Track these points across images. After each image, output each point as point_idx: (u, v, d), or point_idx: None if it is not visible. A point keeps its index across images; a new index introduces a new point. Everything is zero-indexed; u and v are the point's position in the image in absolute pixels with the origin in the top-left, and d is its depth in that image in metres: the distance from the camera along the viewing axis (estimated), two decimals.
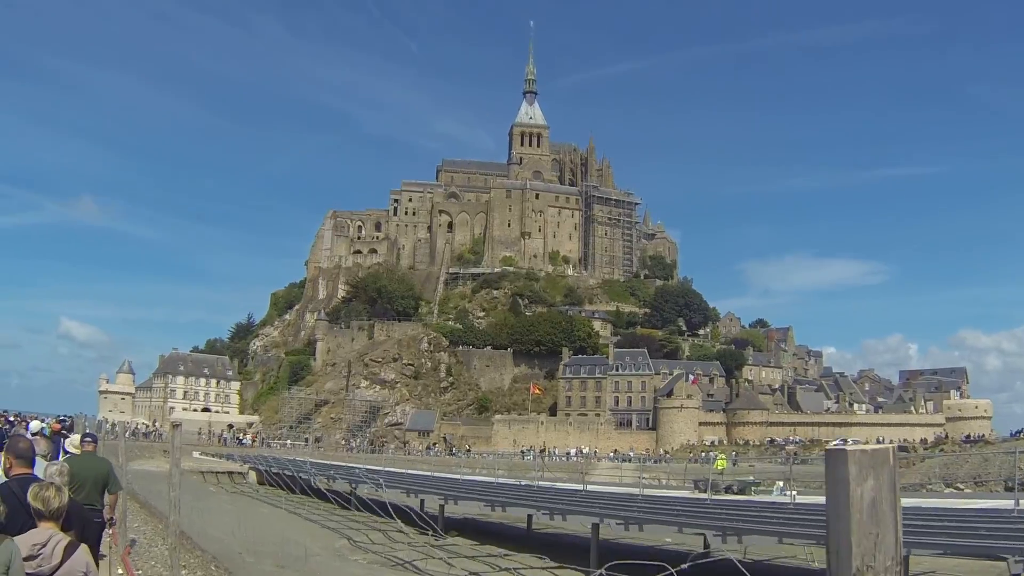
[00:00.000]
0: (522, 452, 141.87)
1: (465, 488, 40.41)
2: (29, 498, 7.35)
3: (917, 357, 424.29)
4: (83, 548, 7.27)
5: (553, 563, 30.13)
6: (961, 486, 59.49)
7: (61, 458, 15.07)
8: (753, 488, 41.00)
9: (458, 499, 36.52)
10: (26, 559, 6.75)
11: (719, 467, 53.36)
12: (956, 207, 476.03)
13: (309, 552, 30.89)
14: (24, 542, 6.90)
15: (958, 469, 66.59)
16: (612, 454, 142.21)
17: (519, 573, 29.89)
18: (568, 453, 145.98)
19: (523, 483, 46.51)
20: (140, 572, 16.31)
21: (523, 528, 37.92)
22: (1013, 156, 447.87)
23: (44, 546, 6.91)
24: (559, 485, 46.80)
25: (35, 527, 7.32)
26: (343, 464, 70.54)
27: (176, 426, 10.37)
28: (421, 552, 33.55)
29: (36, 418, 32.40)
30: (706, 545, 32.05)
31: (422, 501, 46.07)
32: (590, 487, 40.81)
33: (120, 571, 16.21)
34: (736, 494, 39.02)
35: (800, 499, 32.80)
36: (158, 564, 17.74)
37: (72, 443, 18.92)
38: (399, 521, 34.07)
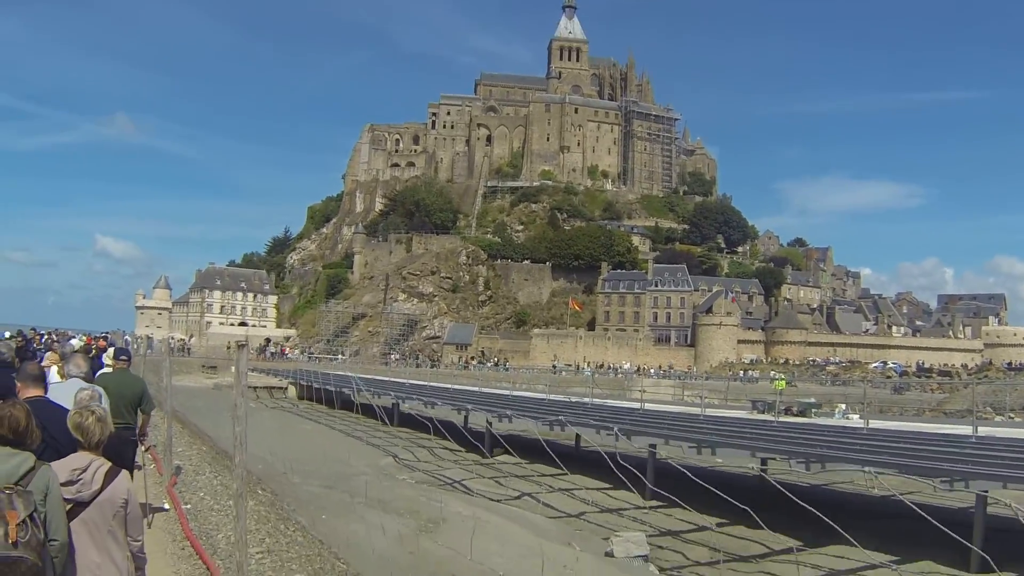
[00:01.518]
0: (554, 366, 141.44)
1: (514, 405, 39.41)
2: (69, 426, 6.83)
3: (952, 282, 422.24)
4: (124, 474, 6.81)
5: (607, 484, 29.30)
6: (1012, 414, 58.11)
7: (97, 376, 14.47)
8: (814, 410, 39.88)
9: (511, 418, 35.49)
10: (65, 484, 6.28)
11: (778, 387, 52.22)
12: (996, 132, 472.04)
13: (355, 471, 30.10)
14: (64, 467, 6.43)
15: (1004, 397, 65.10)
16: (655, 370, 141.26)
17: (572, 494, 29.03)
18: (612, 368, 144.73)
19: (572, 400, 45.52)
20: (188, 506, 15.38)
21: (571, 446, 37.10)
22: None
23: (84, 471, 6.49)
24: (611, 403, 45.81)
25: (56, 453, 6.90)
26: (387, 379, 69.78)
27: (242, 346, 9.26)
28: (469, 471, 32.79)
29: (75, 336, 31.67)
30: (762, 467, 31.19)
31: (466, 417, 45.32)
32: (648, 406, 39.76)
33: (167, 504, 15.32)
34: (796, 416, 37.96)
35: (873, 424, 31.68)
36: (206, 495, 16.76)
37: (109, 356, 18.43)
38: (448, 439, 33.24)
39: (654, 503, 26.82)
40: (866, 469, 21.29)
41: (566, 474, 31.33)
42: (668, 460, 28.58)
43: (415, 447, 39.36)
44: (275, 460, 28.79)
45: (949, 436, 29.12)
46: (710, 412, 36.80)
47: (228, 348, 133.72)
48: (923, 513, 12.48)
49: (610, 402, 47.90)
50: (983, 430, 30.82)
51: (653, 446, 28.53)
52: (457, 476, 31.19)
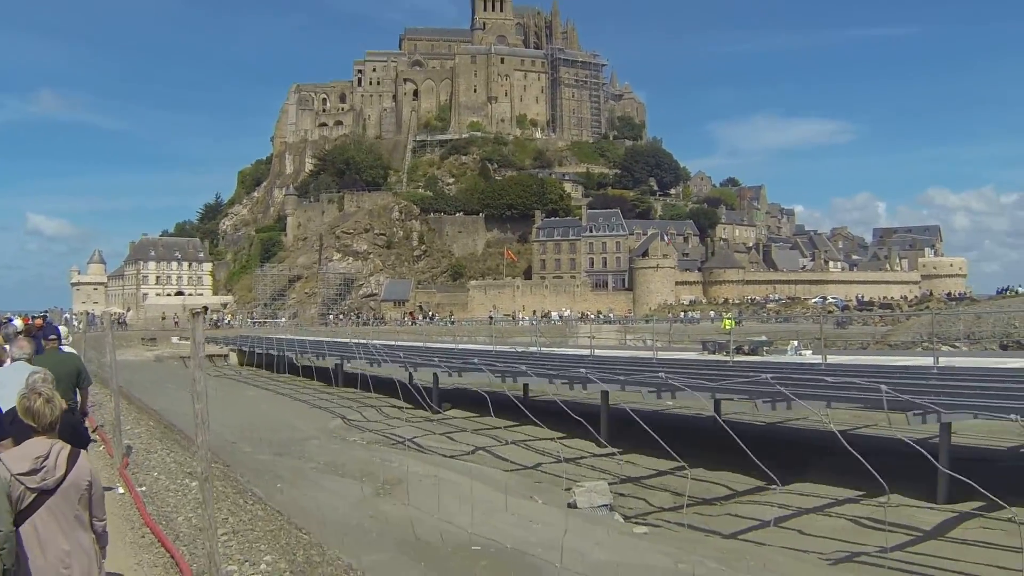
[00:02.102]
0: (491, 317, 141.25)
1: (461, 358, 39.00)
2: (19, 412, 6.59)
3: (885, 216, 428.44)
4: (84, 455, 6.67)
5: (560, 433, 29.10)
6: (957, 344, 58.65)
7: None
8: (765, 348, 39.77)
9: (461, 371, 35.08)
10: (28, 473, 6.18)
11: (726, 327, 52.07)
12: (924, 68, 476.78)
13: (304, 435, 29.73)
14: (24, 455, 6.27)
15: (950, 327, 65.71)
16: (595, 316, 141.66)
17: (528, 445, 28.84)
18: (557, 316, 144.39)
19: (519, 350, 45.21)
20: (144, 488, 14.72)
21: (519, 396, 36.87)
22: (982, 21, 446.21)
23: (46, 458, 6.30)
24: (559, 351, 45.57)
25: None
26: (329, 340, 69.25)
27: (197, 314, 8.90)
28: (420, 429, 32.47)
29: (17, 316, 31.01)
30: (716, 409, 31.10)
31: (410, 374, 44.95)
32: (596, 352, 39.52)
33: (120, 488, 14.70)
34: (747, 355, 37.88)
35: (831, 359, 31.62)
36: (161, 474, 16.05)
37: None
38: (396, 397, 32.92)
39: (610, 450, 26.68)
40: (831, 407, 21.21)
41: (518, 425, 31.16)
42: (621, 405, 28.62)
43: (363, 407, 39.00)
44: (223, 430, 28.32)
45: (910, 368, 29.10)
46: (662, 355, 36.55)
47: (163, 319, 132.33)
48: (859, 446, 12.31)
49: (557, 350, 47.67)
50: (943, 360, 30.89)
51: (606, 393, 28.33)
52: (408, 434, 30.87)
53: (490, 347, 49.01)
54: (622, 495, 22.02)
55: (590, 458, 26.69)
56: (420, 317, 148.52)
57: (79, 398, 13.78)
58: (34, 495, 6.18)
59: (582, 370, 29.42)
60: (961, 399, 20.02)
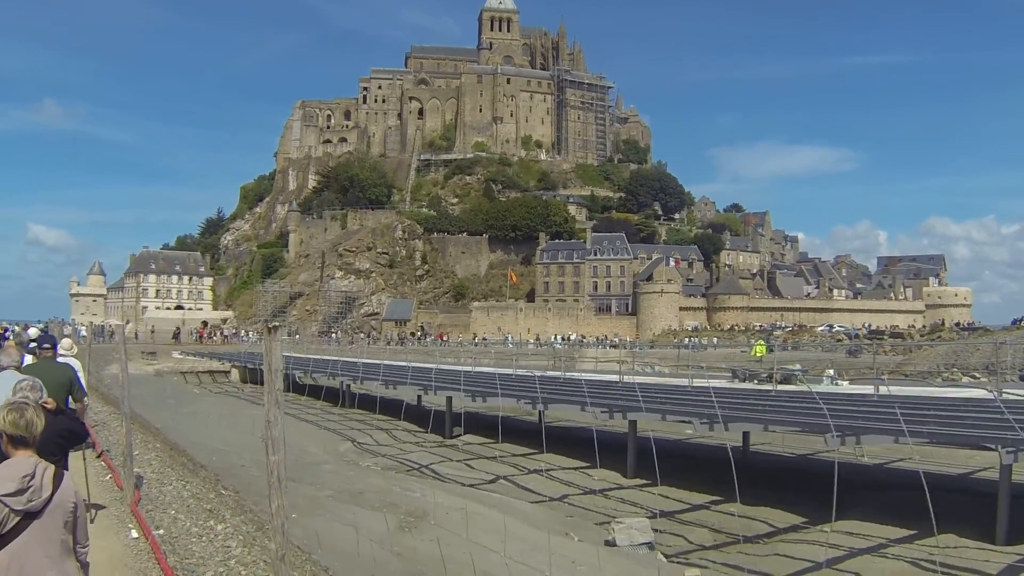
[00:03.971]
0: (506, 338, 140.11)
1: (481, 382, 37.44)
2: (6, 424, 6.05)
3: (887, 244, 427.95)
4: (68, 475, 6.20)
5: (583, 462, 27.86)
6: (977, 375, 57.23)
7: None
8: (799, 377, 38.26)
9: (486, 396, 33.50)
10: (15, 494, 5.66)
11: (757, 354, 50.66)
12: (926, 96, 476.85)
13: (315, 459, 28.44)
14: (10, 474, 5.75)
15: (968, 358, 64.41)
16: (599, 340, 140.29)
17: (550, 475, 27.47)
18: (560, 339, 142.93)
19: (537, 374, 43.76)
20: (161, 531, 12.86)
21: (535, 422, 35.57)
22: (986, 49, 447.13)
23: (33, 477, 5.80)
24: (584, 376, 44.22)
25: None
26: (336, 359, 67.98)
27: (273, 328, 7.77)
28: (435, 454, 31.18)
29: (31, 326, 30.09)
30: (745, 440, 29.79)
31: (419, 396, 43.67)
32: (626, 378, 38.05)
33: (134, 531, 12.91)
34: (780, 383, 36.48)
35: (884, 389, 30.20)
36: (179, 512, 14.17)
37: (64, 346, 17.59)
38: (400, 418, 31.64)
39: (638, 481, 25.47)
40: (901, 440, 19.91)
41: (537, 453, 29.85)
42: (644, 434, 27.33)
43: (373, 430, 37.79)
44: (230, 451, 27.16)
45: (970, 400, 27.62)
46: (698, 383, 35.06)
47: (151, 332, 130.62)
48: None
49: (581, 375, 46.30)
50: (975, 392, 29.59)
51: (634, 423, 27.00)
52: (423, 460, 29.61)
53: (509, 371, 47.49)
54: (657, 531, 20.73)
55: (616, 490, 25.40)
56: (409, 336, 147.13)
57: (74, 410, 12.80)
58: (19, 518, 5.66)
59: (606, 400, 28.06)
60: None
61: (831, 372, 40.62)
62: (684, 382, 34.80)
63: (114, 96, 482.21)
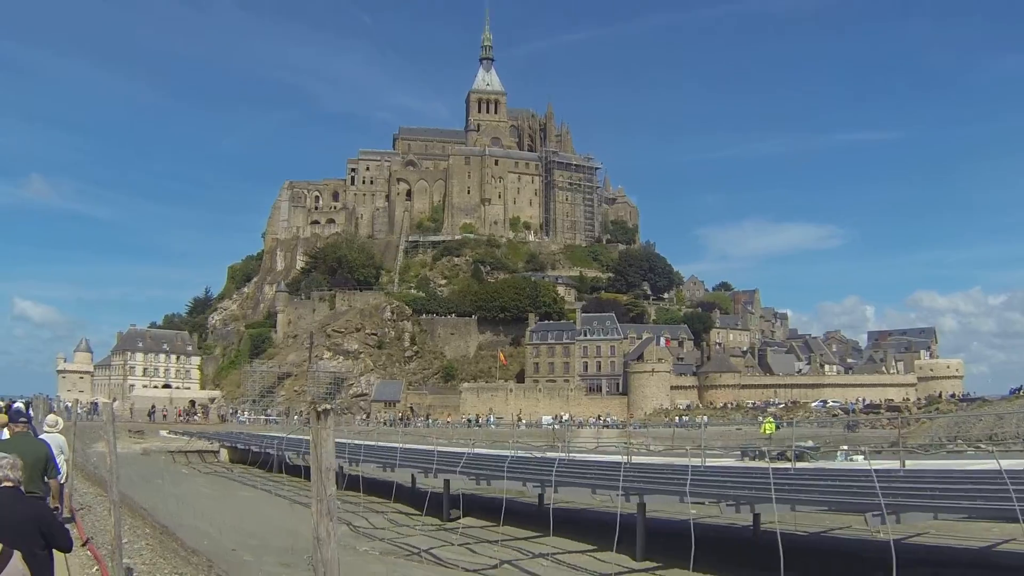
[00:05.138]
0: (488, 419, 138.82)
1: (484, 464, 36.25)
2: None
3: (874, 319, 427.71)
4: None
5: (587, 545, 26.81)
6: (981, 445, 56.40)
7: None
8: (811, 455, 37.14)
9: (490, 479, 32.44)
10: None
11: (767, 431, 49.66)
12: (911, 172, 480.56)
13: (309, 543, 27.32)
14: None
15: (971, 428, 63.69)
16: (595, 420, 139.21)
17: (557, 560, 26.34)
18: (549, 420, 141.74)
19: (537, 455, 42.59)
20: None
21: (533, 504, 34.52)
22: (967, 124, 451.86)
23: None
24: (592, 457, 43.06)
25: None
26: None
27: (323, 413, 6.65)
28: (434, 538, 30.05)
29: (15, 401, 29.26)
30: (755, 519, 28.79)
31: (413, 476, 42.62)
32: (634, 459, 36.87)
33: None
34: (789, 461, 35.46)
35: (909, 464, 29.22)
36: None
37: (48, 423, 17.12)
38: (387, 499, 30.55)
39: (648, 563, 24.40)
40: (941, 517, 19.01)
41: (541, 536, 28.79)
42: (655, 515, 26.35)
43: (368, 512, 36.63)
44: (220, 535, 26.13)
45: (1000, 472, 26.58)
46: (696, 462, 34.01)
47: (149, 414, 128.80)
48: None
49: (589, 457, 45.14)
50: (1006, 463, 28.59)
51: (643, 504, 25.95)
52: (423, 544, 28.52)
53: (507, 452, 46.33)
54: None
55: (628, 574, 24.29)
56: (401, 417, 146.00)
57: (51, 488, 12.95)
58: None
59: (618, 482, 27.01)
60: None
61: (844, 448, 39.60)
62: (695, 462, 33.63)
63: (100, 174, 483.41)
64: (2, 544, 6.04)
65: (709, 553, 18.79)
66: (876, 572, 21.85)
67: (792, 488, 23.78)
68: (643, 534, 25.98)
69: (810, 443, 41.18)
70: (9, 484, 7.93)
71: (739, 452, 41.70)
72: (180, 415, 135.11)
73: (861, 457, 35.72)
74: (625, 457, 37.35)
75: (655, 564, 24.45)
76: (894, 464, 31.15)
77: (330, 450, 6.01)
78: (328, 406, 6.19)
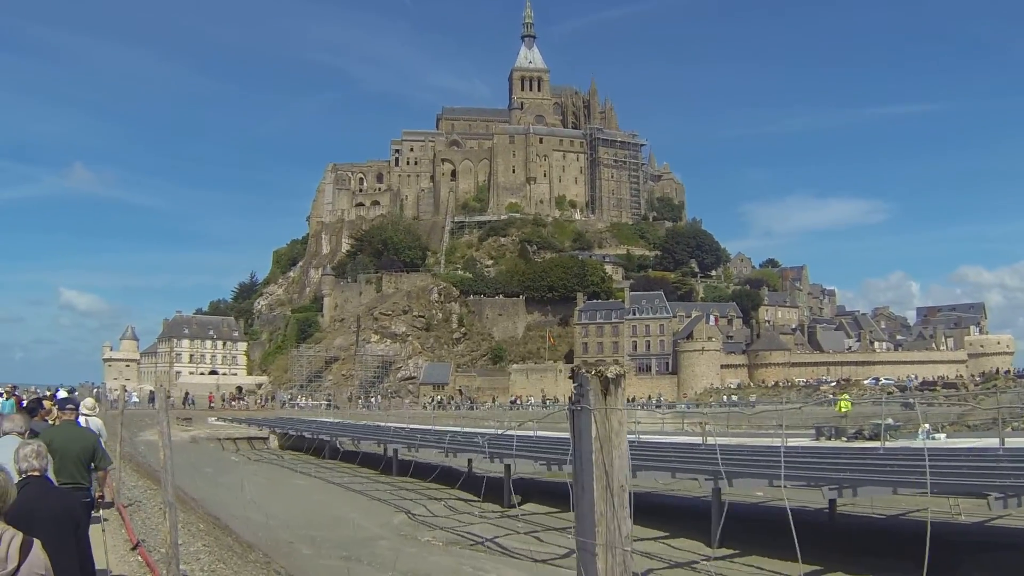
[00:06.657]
0: (544, 400, 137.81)
1: (553, 448, 34.87)
2: None
3: (919, 295, 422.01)
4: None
5: (661, 532, 25.54)
6: None
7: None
8: (891, 433, 35.73)
9: (561, 464, 31.05)
10: None
11: (842, 409, 48.31)
12: (956, 144, 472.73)
13: (369, 534, 26.21)
14: None
15: None
16: (645, 400, 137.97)
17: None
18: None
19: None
20: None
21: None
22: (1012, 95, 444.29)
23: None
24: (668, 439, 41.79)
25: None
26: (376, 424, 65.92)
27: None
28: (498, 526, 28.85)
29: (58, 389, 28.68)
30: (831, 504, 27.46)
31: (469, 461, 41.47)
32: (710, 440, 35.52)
33: None
34: (868, 440, 34.13)
35: (1009, 443, 27.78)
36: None
37: (86, 406, 16.62)
38: (443, 485, 29.43)
39: (724, 551, 23.10)
40: None
41: None
42: (729, 500, 25.04)
43: (425, 500, 35.50)
44: (276, 524, 25.06)
45: None
46: (772, 443, 32.57)
47: (184, 401, 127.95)
48: None
49: (665, 439, 43.85)
50: None
51: (718, 489, 24.61)
52: (487, 533, 27.30)
53: (565, 435, 45.00)
54: None
55: (703, 562, 23.00)
56: (454, 401, 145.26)
57: (96, 482, 12.50)
58: None
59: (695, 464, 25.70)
60: None
61: (926, 427, 38.04)
62: (776, 443, 32.06)
63: (144, 161, 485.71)
64: (23, 534, 5.72)
65: (784, 536, 17.51)
66: (963, 556, 20.56)
67: (889, 469, 22.41)
68: (718, 518, 24.68)
69: (889, 421, 39.67)
70: (35, 474, 7.76)
71: (814, 431, 40.42)
72: (214, 401, 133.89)
73: (943, 436, 34.37)
74: (701, 439, 36.15)
75: (732, 551, 23.21)
76: (992, 442, 29.74)
77: (624, 452, 4.27)
78: (620, 369, 4.66)
